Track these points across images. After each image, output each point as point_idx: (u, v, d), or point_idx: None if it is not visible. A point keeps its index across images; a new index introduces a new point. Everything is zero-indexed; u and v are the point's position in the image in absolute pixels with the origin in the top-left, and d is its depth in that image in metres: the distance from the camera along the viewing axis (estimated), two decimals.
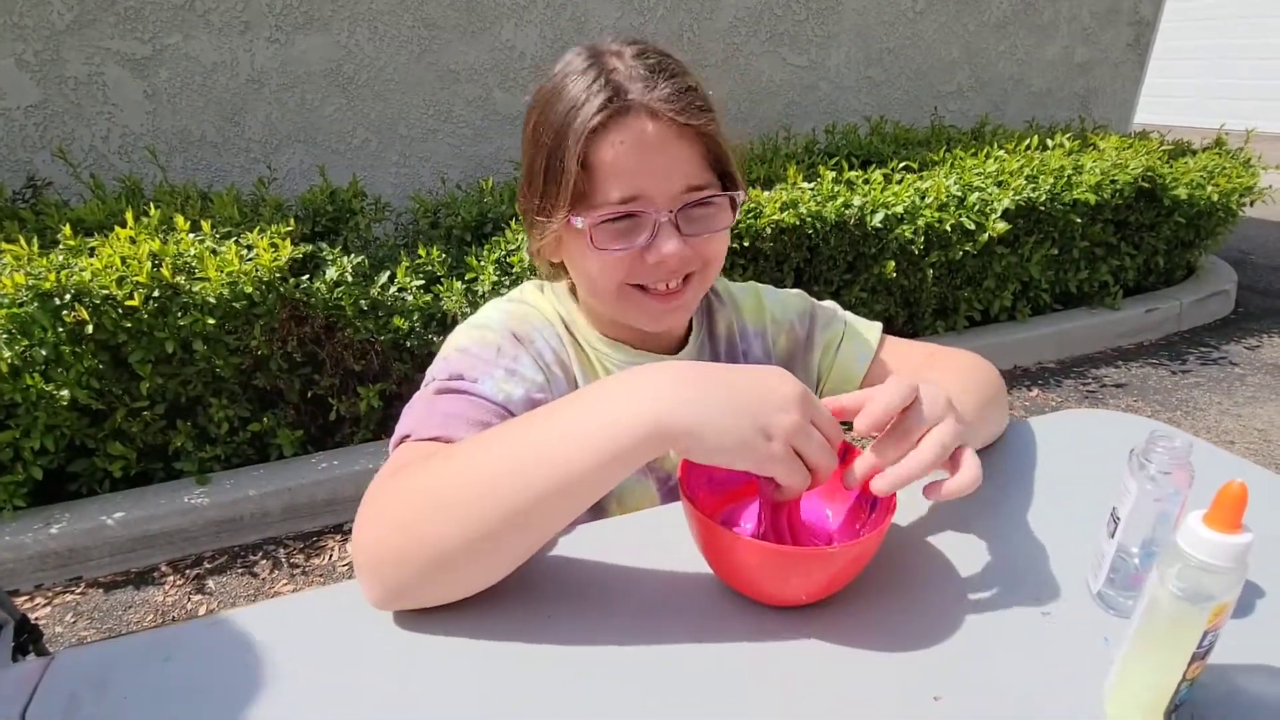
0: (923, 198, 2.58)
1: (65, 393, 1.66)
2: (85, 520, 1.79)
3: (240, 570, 1.85)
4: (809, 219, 2.35)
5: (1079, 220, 2.80)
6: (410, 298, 1.98)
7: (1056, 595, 0.53)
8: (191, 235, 1.86)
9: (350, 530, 1.98)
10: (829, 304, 0.85)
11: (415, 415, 0.61)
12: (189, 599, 1.75)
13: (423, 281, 2.03)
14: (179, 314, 1.72)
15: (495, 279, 2.04)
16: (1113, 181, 2.84)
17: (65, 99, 2.44)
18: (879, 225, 2.45)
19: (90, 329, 1.64)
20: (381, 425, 2.13)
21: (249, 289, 1.76)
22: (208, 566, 1.86)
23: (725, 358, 0.79)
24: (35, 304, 1.61)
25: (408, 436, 0.60)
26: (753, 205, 2.30)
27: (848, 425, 0.51)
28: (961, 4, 3.81)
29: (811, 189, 2.47)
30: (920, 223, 2.50)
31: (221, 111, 2.64)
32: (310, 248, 1.97)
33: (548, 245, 0.67)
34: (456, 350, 0.67)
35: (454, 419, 0.60)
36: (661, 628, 0.51)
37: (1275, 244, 4.63)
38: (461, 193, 2.59)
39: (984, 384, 0.71)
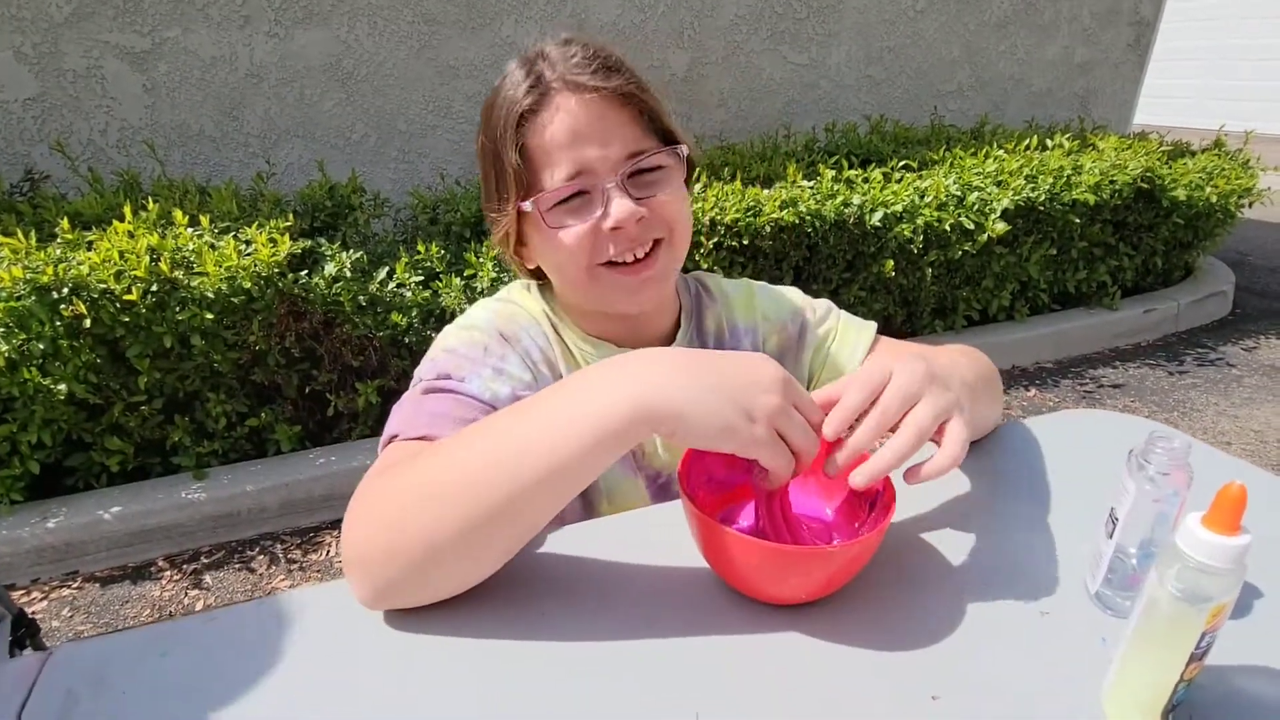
0: (922, 197, 2.58)
1: (63, 387, 1.66)
2: (82, 515, 1.78)
3: (237, 565, 1.85)
4: (808, 217, 2.35)
5: (1078, 220, 2.80)
6: (409, 294, 1.98)
7: (1054, 595, 0.54)
8: (190, 230, 1.85)
9: None
10: (823, 302, 0.85)
11: (403, 415, 0.62)
12: (186, 594, 1.75)
13: (421, 278, 2.03)
14: (177, 308, 1.71)
15: (494, 275, 2.04)
16: (1112, 182, 2.84)
17: (63, 92, 2.43)
18: (878, 224, 2.45)
19: (88, 323, 1.64)
20: (379, 421, 2.13)
21: (247, 284, 1.75)
22: (205, 561, 1.86)
23: None
24: (33, 298, 1.60)
25: (396, 436, 0.60)
26: (752, 203, 2.30)
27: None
28: (962, 3, 3.80)
29: (811, 187, 2.47)
30: (919, 222, 2.50)
31: (220, 106, 2.63)
32: (309, 243, 1.97)
33: (528, 250, 0.69)
34: (444, 351, 0.67)
35: (441, 418, 0.60)
36: (659, 626, 0.51)
37: (1273, 245, 4.64)
38: (461, 189, 2.58)
39: (977, 363, 0.71)
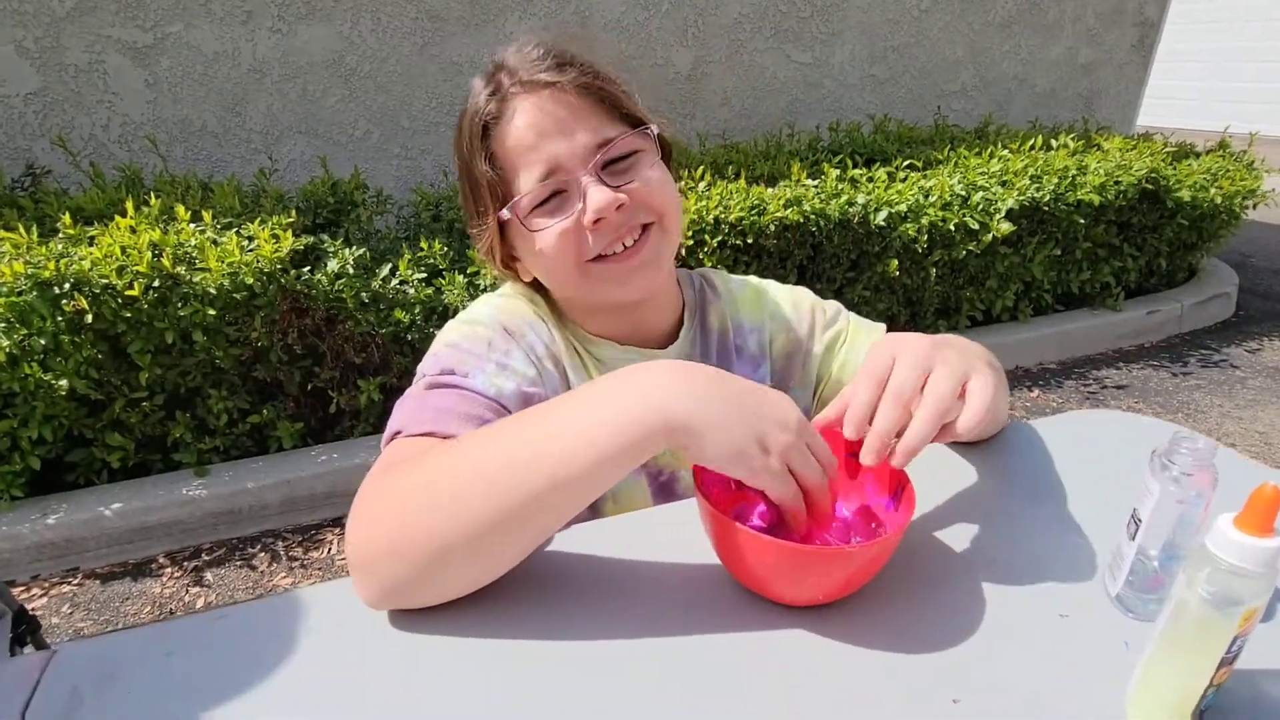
0: (926, 196, 2.57)
1: (64, 382, 1.65)
2: (83, 511, 1.78)
3: (238, 563, 1.84)
4: (813, 216, 2.34)
5: (1082, 221, 2.79)
6: (412, 291, 1.97)
7: (1074, 597, 0.53)
8: (192, 225, 1.85)
9: None
10: (832, 303, 0.83)
11: (406, 411, 0.61)
12: (186, 591, 1.75)
13: (424, 274, 2.02)
14: (179, 304, 1.71)
15: (497, 273, 2.02)
16: (1116, 183, 2.83)
17: (65, 87, 2.42)
18: (882, 223, 2.44)
19: (89, 318, 1.63)
20: (381, 418, 2.12)
21: (250, 280, 1.74)
22: (206, 558, 1.85)
23: (718, 351, 0.77)
24: (34, 293, 1.60)
25: (399, 433, 0.59)
26: (756, 202, 2.29)
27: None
28: (967, 3, 3.79)
29: (815, 186, 2.46)
30: (924, 221, 2.49)
31: (223, 101, 2.62)
32: (311, 239, 1.96)
33: (520, 265, 0.70)
34: (447, 346, 0.66)
35: (446, 414, 0.59)
36: (671, 627, 0.50)
37: (1276, 247, 4.63)
38: None
39: (998, 375, 0.70)
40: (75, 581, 1.77)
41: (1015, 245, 2.77)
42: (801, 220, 2.31)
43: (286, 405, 2.01)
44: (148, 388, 1.79)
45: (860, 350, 0.79)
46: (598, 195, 0.60)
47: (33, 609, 1.69)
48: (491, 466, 0.48)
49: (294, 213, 2.02)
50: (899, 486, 0.53)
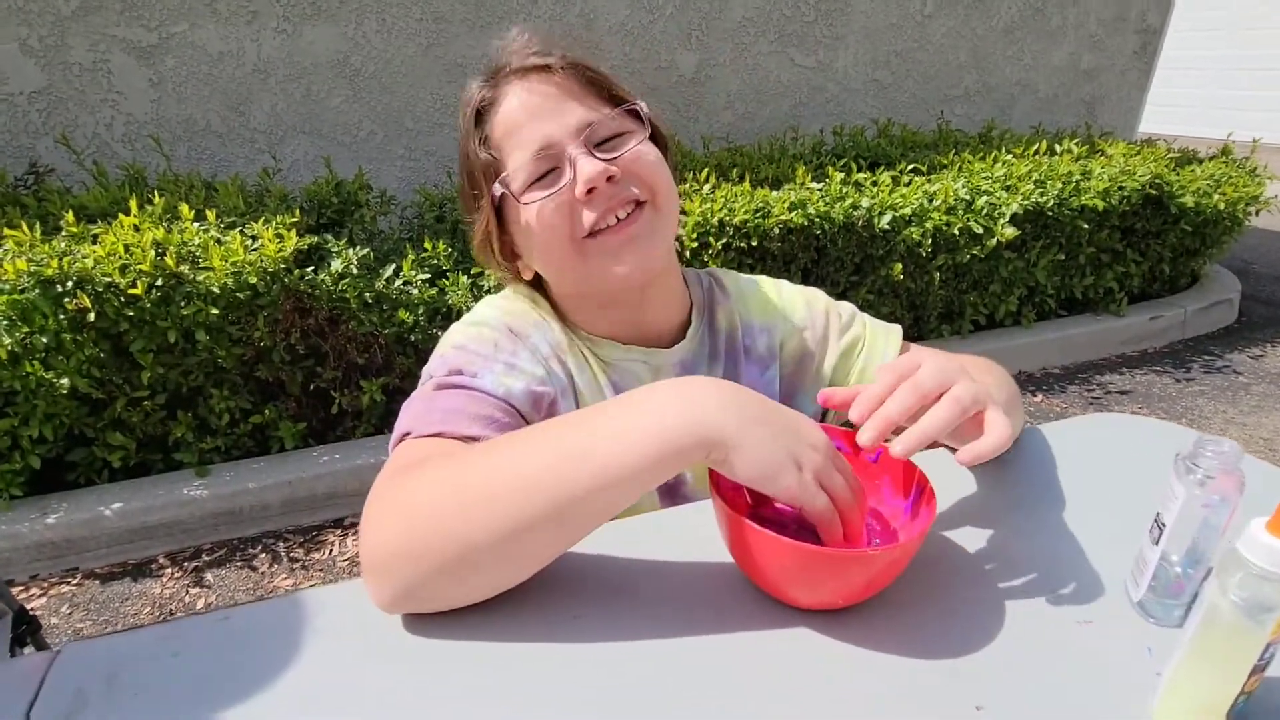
0: (931, 201, 2.57)
1: (65, 381, 1.64)
2: (83, 510, 1.77)
3: (239, 563, 1.83)
4: (817, 219, 2.33)
5: (1086, 226, 2.79)
6: (415, 291, 1.96)
7: (1095, 603, 0.52)
8: (196, 224, 1.84)
9: (351, 524, 1.97)
10: (847, 306, 0.82)
11: (414, 413, 0.60)
12: (187, 591, 1.73)
13: (428, 275, 2.02)
14: (182, 303, 1.70)
15: (494, 269, 2.02)
16: (1120, 188, 2.83)
17: (69, 85, 2.42)
18: (887, 227, 2.44)
19: (92, 317, 1.62)
20: (384, 419, 2.11)
21: (253, 279, 1.74)
22: (206, 559, 1.84)
23: (725, 351, 0.76)
24: (37, 291, 1.59)
25: (408, 434, 0.58)
26: (761, 205, 2.29)
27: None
28: (970, 8, 3.80)
29: (820, 190, 2.46)
30: (928, 225, 2.49)
31: (227, 101, 2.62)
32: (315, 239, 1.95)
33: (519, 258, 0.70)
34: (453, 347, 0.66)
35: (455, 414, 0.59)
36: (685, 631, 0.49)
37: (1277, 254, 4.63)
38: None
39: (1003, 377, 0.70)
40: (75, 581, 1.76)
41: (1019, 250, 2.77)
42: (806, 223, 2.31)
43: (288, 405, 2.00)
44: (149, 387, 1.78)
45: (878, 356, 0.77)
46: (588, 165, 0.61)
47: (32, 609, 1.68)
48: (533, 467, 0.47)
49: (298, 212, 2.02)
50: (918, 490, 0.53)
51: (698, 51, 3.30)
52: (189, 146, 2.62)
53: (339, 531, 1.96)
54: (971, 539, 0.59)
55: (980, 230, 2.56)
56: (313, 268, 1.88)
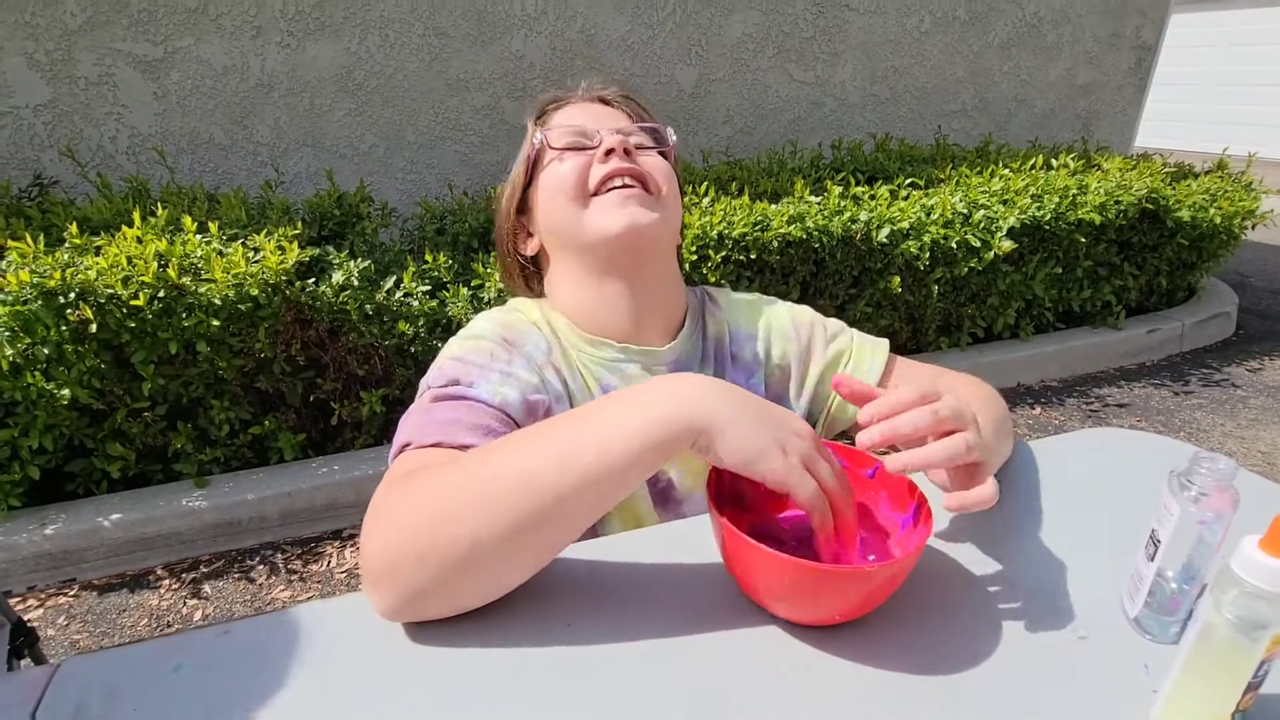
0: (929, 214, 2.59)
1: (66, 392, 1.65)
2: (81, 521, 1.76)
3: (237, 575, 1.82)
4: (816, 233, 2.35)
5: (1083, 240, 2.81)
6: (415, 303, 1.97)
7: (1091, 619, 0.52)
8: (198, 236, 1.85)
9: (350, 536, 1.96)
10: (834, 321, 0.84)
11: (412, 425, 0.61)
12: (184, 603, 1.73)
13: (429, 287, 2.02)
14: (183, 315, 1.70)
15: (501, 287, 2.03)
16: (1117, 202, 2.85)
17: (75, 99, 2.44)
18: (885, 241, 2.45)
19: (94, 328, 1.63)
20: (383, 431, 2.11)
21: (255, 291, 1.74)
22: (204, 571, 1.83)
23: (714, 356, 0.79)
24: (39, 302, 1.59)
25: (407, 445, 0.59)
26: (760, 218, 2.30)
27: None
28: (967, 25, 3.84)
29: (818, 203, 2.47)
30: (926, 239, 2.51)
31: (230, 114, 2.64)
32: (317, 251, 1.96)
33: (535, 201, 0.77)
34: (450, 359, 0.68)
35: (452, 425, 0.60)
36: (682, 647, 0.50)
37: (1273, 267, 4.65)
38: (469, 200, 2.59)
39: (996, 411, 0.71)
40: (72, 593, 1.75)
41: (1017, 263, 2.78)
42: (804, 237, 2.32)
43: (288, 416, 2.00)
44: (150, 398, 1.79)
45: (865, 370, 0.79)
46: (612, 136, 0.72)
47: (28, 620, 1.67)
48: (530, 465, 0.49)
49: (299, 225, 2.03)
50: (915, 506, 0.53)
51: (697, 66, 3.33)
52: (192, 159, 2.64)
53: (337, 543, 1.95)
54: (968, 554, 0.59)
55: (978, 244, 2.57)
56: (314, 279, 1.89)
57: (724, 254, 2.24)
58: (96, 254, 1.73)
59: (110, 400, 1.76)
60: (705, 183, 2.52)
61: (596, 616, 0.52)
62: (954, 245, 2.55)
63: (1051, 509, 0.66)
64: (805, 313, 0.83)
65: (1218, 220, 3.06)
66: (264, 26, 2.59)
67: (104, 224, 1.96)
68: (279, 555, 1.90)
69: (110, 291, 1.63)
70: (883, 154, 3.31)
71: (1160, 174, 3.21)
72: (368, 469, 2.01)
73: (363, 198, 2.29)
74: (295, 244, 1.86)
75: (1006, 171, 2.99)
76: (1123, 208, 2.85)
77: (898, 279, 2.51)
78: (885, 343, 0.82)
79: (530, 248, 0.79)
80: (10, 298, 1.58)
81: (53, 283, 1.58)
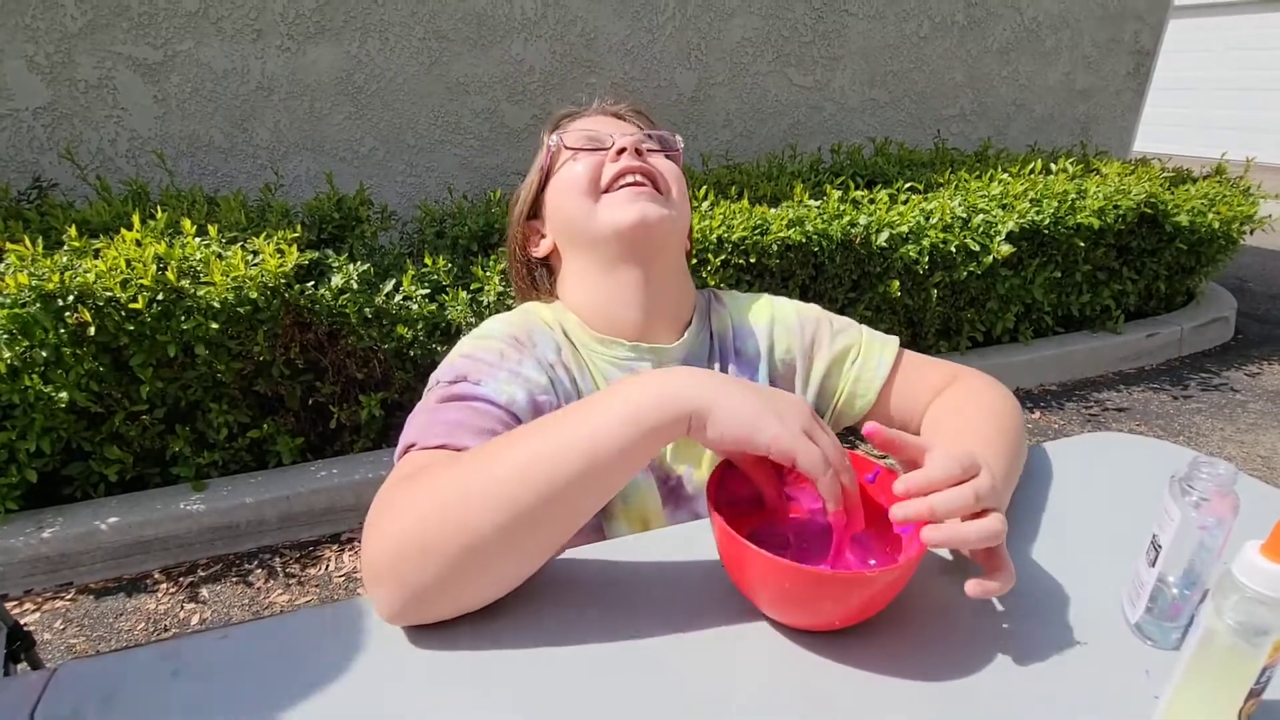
0: (928, 218, 2.59)
1: (64, 395, 1.64)
2: (78, 525, 1.76)
3: (235, 579, 1.82)
4: (815, 236, 2.35)
5: (1082, 244, 2.81)
6: (415, 306, 1.97)
7: (1092, 625, 0.52)
8: (197, 239, 1.85)
9: (348, 540, 1.96)
10: (843, 318, 0.84)
11: (418, 425, 0.62)
12: (182, 607, 1.72)
13: (428, 291, 2.02)
14: (182, 318, 1.70)
15: (500, 289, 2.03)
16: (1115, 207, 2.85)
17: (74, 101, 2.44)
18: (884, 245, 2.45)
19: (92, 331, 1.63)
20: (382, 434, 2.11)
21: (254, 294, 1.74)
22: (202, 574, 1.83)
23: (718, 351, 0.80)
24: (37, 305, 1.59)
25: (413, 445, 0.60)
26: (759, 222, 2.31)
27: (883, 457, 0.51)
28: (965, 30, 3.85)
29: (818, 207, 2.48)
30: (925, 243, 2.51)
31: (230, 117, 2.64)
32: (316, 254, 1.96)
33: (547, 200, 0.79)
34: (461, 356, 0.69)
35: (459, 427, 0.60)
36: (684, 651, 0.49)
37: (1272, 272, 4.66)
38: (468, 203, 2.59)
39: (1015, 441, 0.67)
40: (69, 597, 1.74)
41: (1016, 267, 2.78)
42: (804, 240, 2.32)
43: (287, 420, 2.00)
44: (148, 401, 1.78)
45: (874, 367, 0.79)
46: (624, 138, 0.74)
47: (25, 625, 1.67)
48: (523, 460, 0.49)
49: (299, 228, 2.03)
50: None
51: (697, 70, 3.34)
52: (192, 162, 2.64)
53: (335, 547, 1.95)
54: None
55: (977, 248, 2.58)
56: (313, 283, 1.89)
57: (723, 258, 2.24)
58: (95, 257, 1.73)
59: (108, 403, 1.76)
60: (705, 186, 2.53)
61: (596, 620, 0.52)
62: (953, 249, 2.55)
63: (1051, 514, 0.66)
64: (812, 309, 0.83)
65: (1216, 225, 3.07)
66: (264, 30, 2.59)
67: (103, 227, 1.96)
68: (277, 559, 1.89)
69: (109, 294, 1.63)
70: (882, 158, 3.31)
71: (1159, 179, 3.22)
72: (366, 472, 2.00)
73: (362, 201, 2.29)
74: (294, 247, 1.86)
75: (1005, 176, 3.00)
76: (1121, 212, 2.86)
77: (897, 283, 2.51)
78: (895, 339, 0.81)
79: (542, 249, 0.81)
80: (9, 300, 1.58)
81: (51, 285, 1.58)
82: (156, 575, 1.82)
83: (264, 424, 1.95)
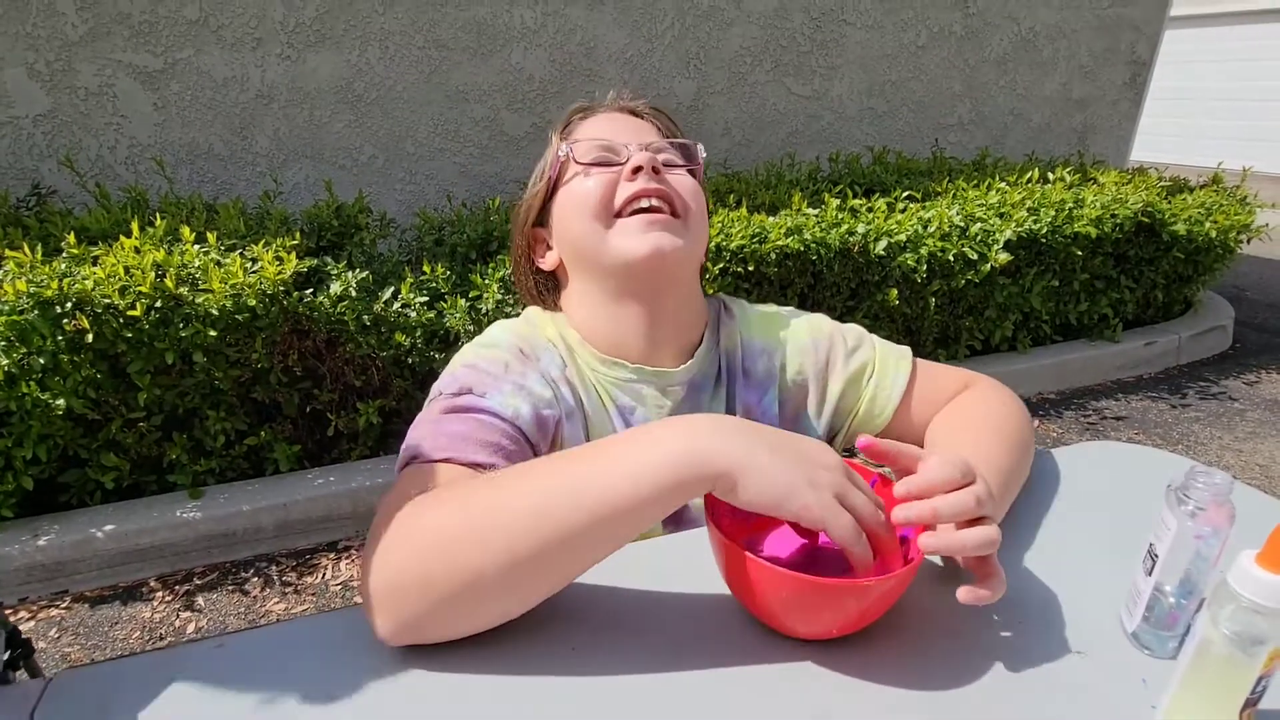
0: (926, 227, 2.60)
1: (61, 402, 1.64)
2: (74, 532, 1.75)
3: (231, 587, 1.81)
4: (813, 245, 2.36)
5: (1080, 253, 2.82)
6: (413, 314, 1.97)
7: (1089, 633, 0.52)
8: (196, 247, 1.85)
9: (345, 548, 1.95)
10: (853, 329, 0.81)
11: (422, 435, 0.60)
12: (177, 615, 1.71)
13: (426, 298, 2.03)
14: (180, 325, 1.70)
15: (499, 297, 2.03)
16: (1113, 216, 2.87)
17: (74, 109, 2.45)
18: (882, 253, 2.46)
19: (90, 338, 1.63)
20: (380, 442, 2.11)
21: (252, 301, 1.74)
22: (198, 583, 1.82)
23: (725, 371, 0.77)
24: (35, 311, 1.59)
25: (415, 458, 0.59)
26: (758, 230, 2.31)
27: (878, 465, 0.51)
28: (963, 40, 3.88)
29: (816, 215, 2.49)
30: (923, 251, 2.52)
31: (230, 125, 2.65)
32: (315, 262, 1.96)
33: (555, 220, 0.75)
34: (464, 366, 0.67)
35: (462, 440, 0.59)
36: (682, 660, 0.49)
37: (1269, 281, 4.68)
38: (467, 211, 2.59)
39: (1017, 448, 0.67)
40: (64, 605, 1.74)
41: (1014, 276, 2.79)
42: (802, 249, 2.33)
43: (284, 427, 1.99)
44: (145, 408, 1.78)
45: (890, 383, 0.76)
46: (639, 155, 0.69)
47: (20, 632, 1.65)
48: (540, 497, 0.47)
49: (298, 235, 2.03)
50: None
51: (696, 79, 3.35)
52: (191, 170, 2.65)
53: (332, 555, 1.94)
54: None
55: (975, 256, 2.59)
56: (311, 290, 1.89)
57: (721, 266, 2.25)
58: (94, 264, 1.73)
59: (105, 410, 1.75)
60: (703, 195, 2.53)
61: (597, 634, 0.52)
62: (951, 258, 2.56)
63: (1049, 522, 0.66)
64: (824, 324, 0.81)
65: (1213, 234, 3.08)
66: (264, 38, 2.60)
67: (102, 234, 1.96)
68: (274, 567, 1.88)
69: (107, 301, 1.63)
70: (880, 167, 3.33)
71: (1156, 188, 3.23)
72: (364, 480, 2.00)
73: (361, 208, 2.30)
74: (293, 254, 1.86)
75: (1003, 185, 3.01)
76: (1119, 221, 2.87)
77: (895, 291, 2.51)
78: (908, 351, 0.79)
79: (549, 262, 0.76)
80: (7, 307, 1.58)
81: (49, 292, 1.58)
82: (152, 583, 1.81)
83: (261, 431, 1.95)
